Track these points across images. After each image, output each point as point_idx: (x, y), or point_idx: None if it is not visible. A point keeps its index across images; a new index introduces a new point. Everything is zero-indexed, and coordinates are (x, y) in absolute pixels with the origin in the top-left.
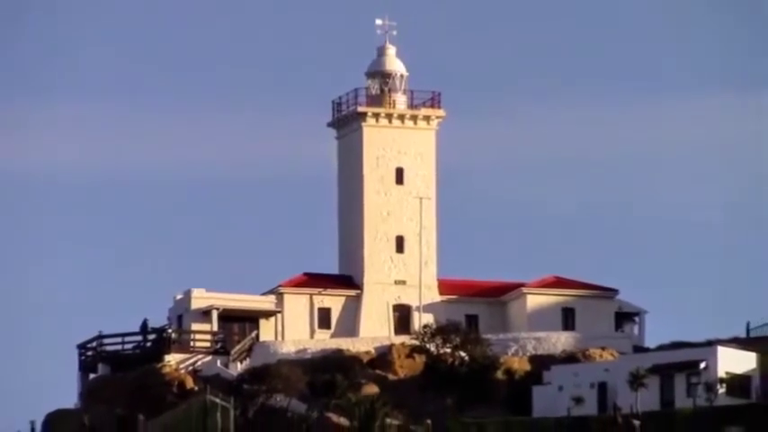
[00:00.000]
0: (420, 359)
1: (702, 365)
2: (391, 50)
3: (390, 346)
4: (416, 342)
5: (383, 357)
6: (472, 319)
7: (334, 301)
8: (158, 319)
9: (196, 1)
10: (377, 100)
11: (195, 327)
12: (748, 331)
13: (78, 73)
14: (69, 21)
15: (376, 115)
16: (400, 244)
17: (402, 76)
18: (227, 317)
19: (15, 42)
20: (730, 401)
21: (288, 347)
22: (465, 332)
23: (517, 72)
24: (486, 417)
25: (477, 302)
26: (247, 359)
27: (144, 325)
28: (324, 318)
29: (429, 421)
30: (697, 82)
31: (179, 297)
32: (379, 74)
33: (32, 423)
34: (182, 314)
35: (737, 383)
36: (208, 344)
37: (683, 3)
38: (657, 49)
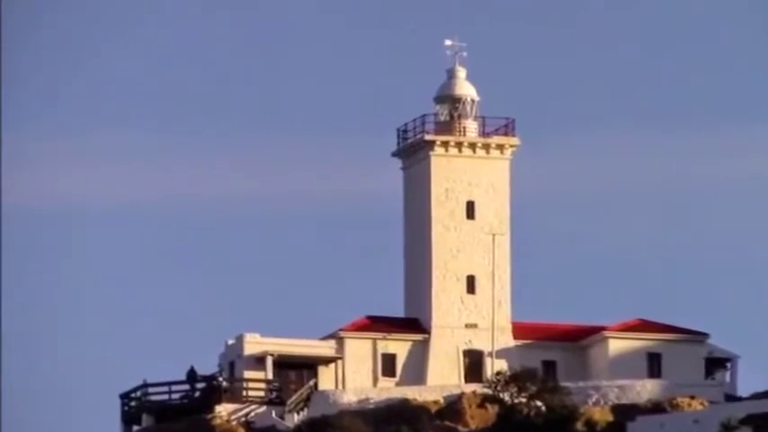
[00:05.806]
0: (493, 409)
1: None
2: (461, 73)
3: (460, 395)
4: (489, 391)
5: (453, 407)
6: (549, 366)
7: (399, 346)
8: (208, 367)
9: (257, 29)
10: (446, 127)
11: (248, 374)
12: None
13: (133, 101)
14: (119, 48)
15: (445, 144)
16: (471, 284)
17: (473, 101)
18: (283, 363)
19: (53, 74)
20: None
21: (349, 397)
22: (542, 380)
23: (598, 97)
24: None
25: (555, 347)
26: (305, 410)
27: (191, 373)
28: (388, 364)
29: None
30: None
31: (231, 342)
32: (449, 99)
33: None
34: (233, 361)
35: None
36: (262, 393)
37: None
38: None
